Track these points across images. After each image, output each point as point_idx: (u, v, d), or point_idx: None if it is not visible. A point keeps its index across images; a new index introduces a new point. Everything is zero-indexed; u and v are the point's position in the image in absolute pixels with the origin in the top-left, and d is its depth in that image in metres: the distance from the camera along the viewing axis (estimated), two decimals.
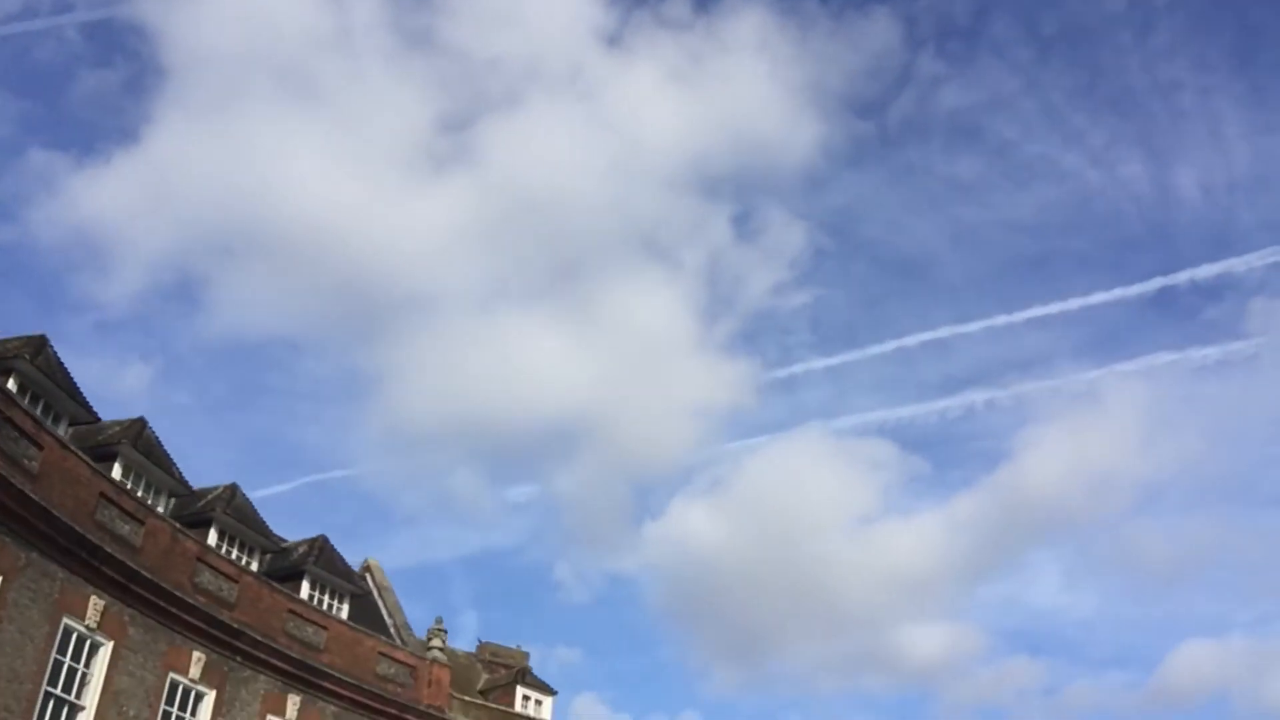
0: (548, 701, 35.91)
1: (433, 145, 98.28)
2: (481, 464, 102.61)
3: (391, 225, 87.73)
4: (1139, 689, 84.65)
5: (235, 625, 24.33)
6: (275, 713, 25.34)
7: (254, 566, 27.17)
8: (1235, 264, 76.87)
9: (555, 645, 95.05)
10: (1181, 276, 77.89)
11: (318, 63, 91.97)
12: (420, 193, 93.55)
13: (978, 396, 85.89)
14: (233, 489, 27.39)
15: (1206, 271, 78.00)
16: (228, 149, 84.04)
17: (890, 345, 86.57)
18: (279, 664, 25.55)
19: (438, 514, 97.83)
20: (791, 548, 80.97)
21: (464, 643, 38.95)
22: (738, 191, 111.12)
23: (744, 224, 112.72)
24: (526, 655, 39.04)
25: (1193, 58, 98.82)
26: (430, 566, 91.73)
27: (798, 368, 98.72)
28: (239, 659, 24.57)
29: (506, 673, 36.88)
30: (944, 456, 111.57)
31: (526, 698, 35.24)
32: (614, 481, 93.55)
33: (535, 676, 36.37)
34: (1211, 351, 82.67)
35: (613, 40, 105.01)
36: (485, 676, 37.27)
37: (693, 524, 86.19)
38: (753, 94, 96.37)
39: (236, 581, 25.12)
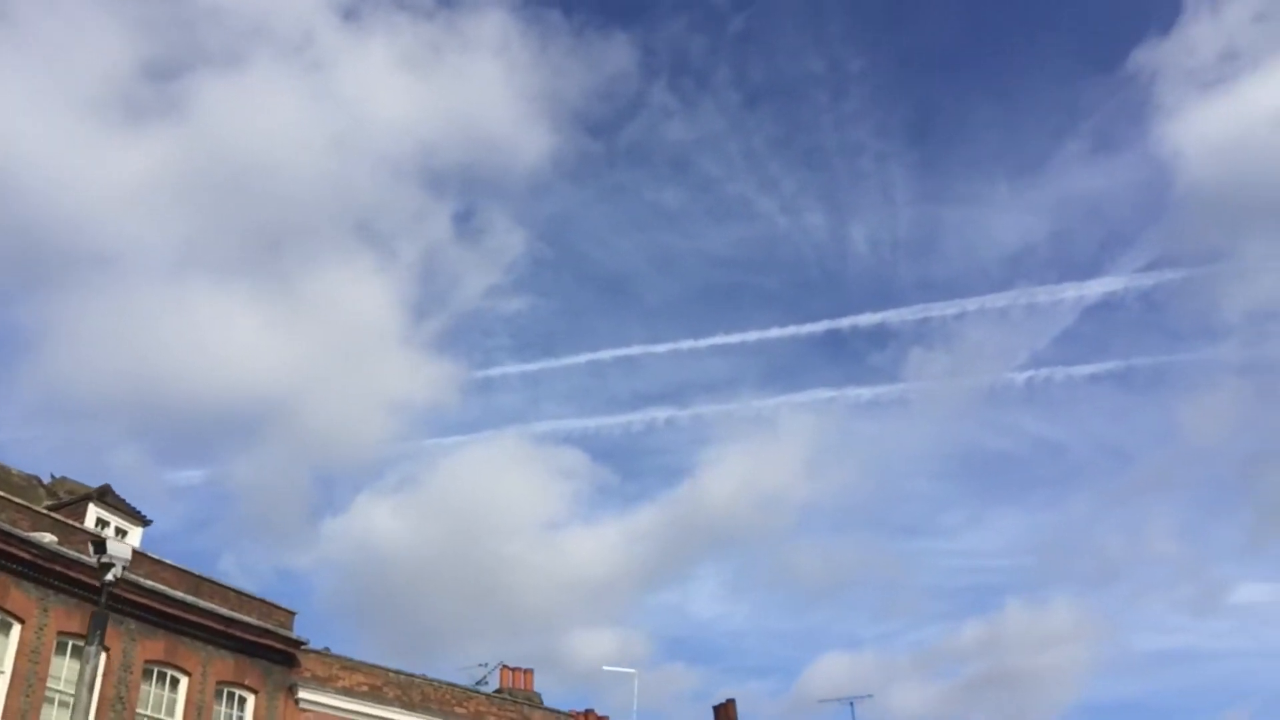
0: (136, 531, 26.28)
1: (134, 92, 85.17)
2: (150, 442, 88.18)
3: (76, 171, 75.86)
4: (781, 697, 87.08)
5: None
6: None
7: None
8: (891, 315, 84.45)
9: None
10: (845, 322, 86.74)
11: None
12: (113, 140, 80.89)
13: (661, 414, 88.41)
14: None
15: (868, 320, 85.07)
16: None
17: (584, 357, 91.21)
18: None
19: None
20: (477, 549, 78.39)
21: None
22: (462, 189, 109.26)
23: (465, 223, 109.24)
24: None
25: (875, 125, 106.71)
26: None
27: (497, 371, 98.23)
28: None
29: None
30: (630, 469, 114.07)
31: (104, 522, 25.41)
32: (297, 472, 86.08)
33: (119, 497, 26.51)
34: (865, 391, 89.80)
35: (349, 14, 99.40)
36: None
37: (377, 521, 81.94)
38: (487, 95, 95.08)
39: None
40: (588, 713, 40.14)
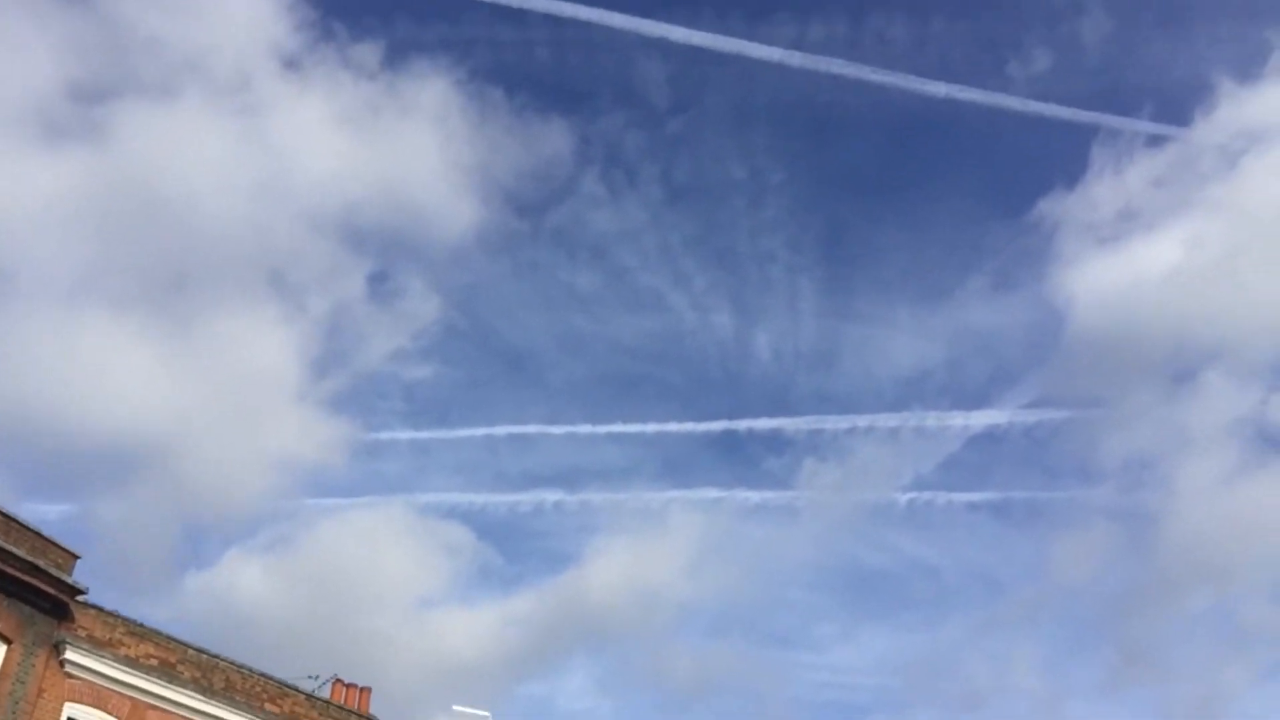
0: None
1: (56, 110, 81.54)
2: (11, 470, 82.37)
3: None
4: None
5: None
6: None
7: None
8: (786, 423, 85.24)
9: None
10: (742, 424, 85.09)
11: None
12: (27, 158, 76.41)
13: (551, 496, 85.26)
14: None
15: (764, 424, 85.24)
16: None
17: (480, 430, 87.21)
18: None
19: None
20: (346, 619, 72.73)
21: None
22: (382, 250, 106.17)
23: (380, 284, 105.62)
24: None
25: (789, 237, 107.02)
26: None
27: (387, 435, 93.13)
28: None
29: None
30: (514, 550, 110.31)
31: None
32: (167, 520, 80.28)
33: None
34: (754, 495, 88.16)
35: (291, 63, 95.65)
36: None
37: (244, 579, 76.07)
38: (420, 161, 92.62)
39: None
40: None
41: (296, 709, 25.42)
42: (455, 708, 37.01)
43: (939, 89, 75.16)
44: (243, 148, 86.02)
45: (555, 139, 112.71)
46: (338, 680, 30.29)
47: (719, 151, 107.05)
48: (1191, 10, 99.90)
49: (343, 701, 29.65)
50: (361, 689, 30.74)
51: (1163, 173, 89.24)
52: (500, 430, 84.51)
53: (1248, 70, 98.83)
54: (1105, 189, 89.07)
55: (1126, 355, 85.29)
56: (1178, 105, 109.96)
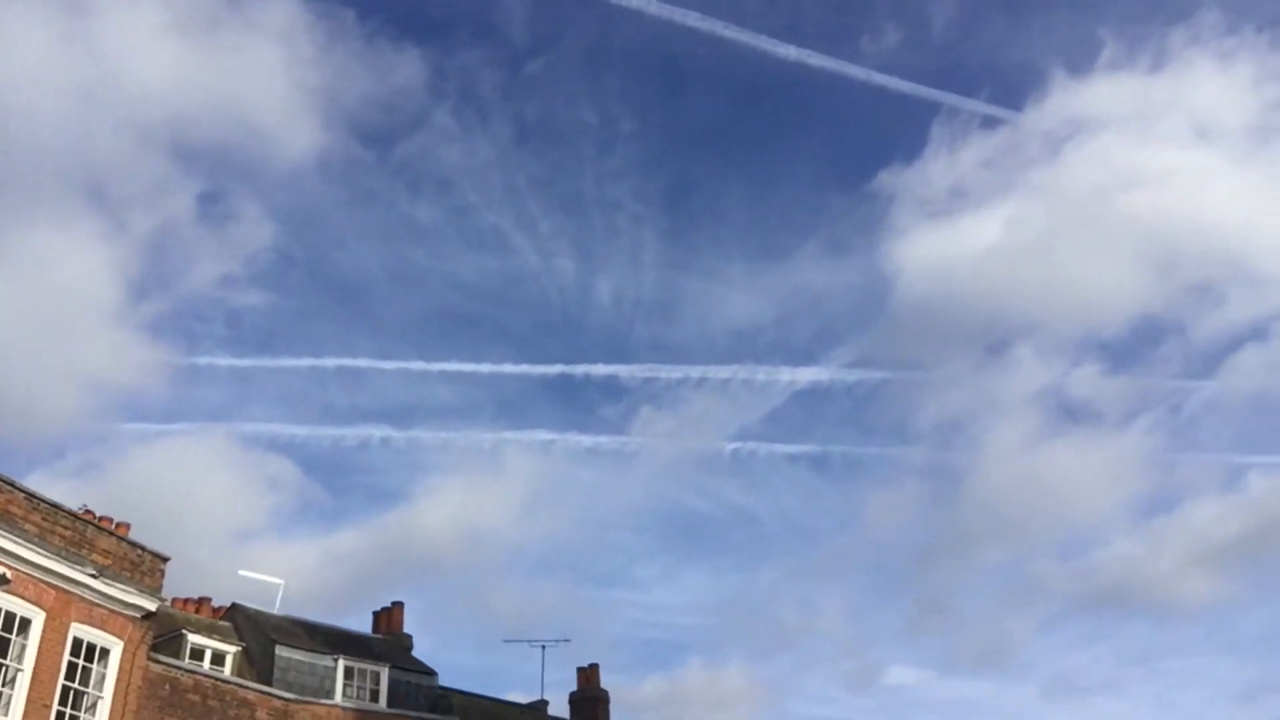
0: None
1: None
2: None
3: None
4: None
5: None
6: None
7: None
8: (622, 370, 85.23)
9: None
10: (579, 369, 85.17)
11: None
12: None
13: (378, 432, 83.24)
14: None
15: (601, 370, 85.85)
16: None
17: (306, 361, 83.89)
18: None
19: None
20: (156, 549, 65.52)
21: None
22: (214, 169, 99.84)
23: (210, 205, 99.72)
24: None
25: (635, 186, 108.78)
26: None
27: (205, 360, 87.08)
28: None
29: None
30: (338, 485, 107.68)
31: None
32: None
33: None
34: (586, 439, 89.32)
35: None
36: None
37: None
38: (261, 80, 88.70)
39: None
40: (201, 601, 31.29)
41: (11, 507, 20.94)
42: (242, 572, 32.76)
43: (790, 52, 76.60)
44: (65, 48, 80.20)
45: (408, 69, 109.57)
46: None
47: (572, 95, 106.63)
48: (1033, 2, 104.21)
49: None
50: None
51: (992, 154, 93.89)
52: (329, 362, 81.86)
53: (1079, 63, 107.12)
54: (940, 166, 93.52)
55: (946, 324, 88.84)
56: (1014, 90, 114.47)
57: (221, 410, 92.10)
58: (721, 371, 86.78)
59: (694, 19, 73.52)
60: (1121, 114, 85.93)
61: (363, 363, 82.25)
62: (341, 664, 29.31)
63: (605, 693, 36.50)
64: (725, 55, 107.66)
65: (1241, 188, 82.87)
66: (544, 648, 34.20)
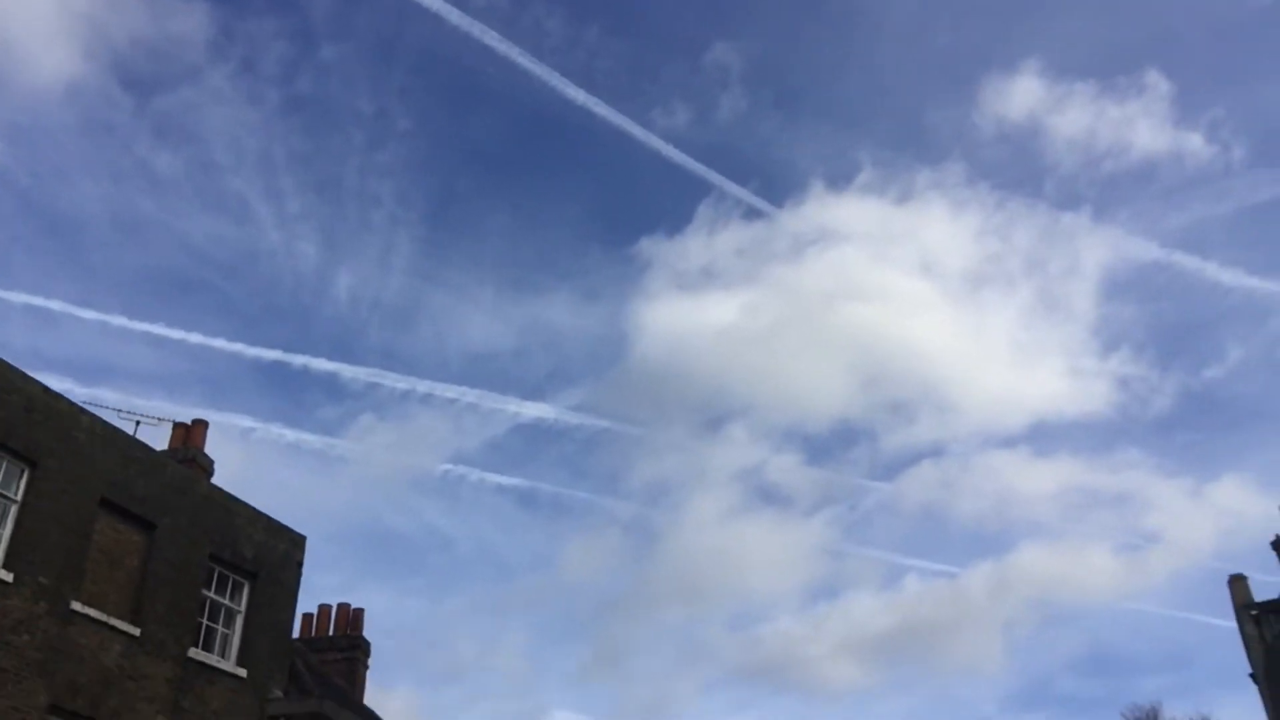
0: None
1: None
2: None
3: None
4: None
5: None
6: None
7: None
8: (346, 370, 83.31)
9: None
10: (299, 359, 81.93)
11: None
12: None
13: (57, 385, 71.63)
14: None
15: (323, 365, 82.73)
16: None
17: None
18: None
19: None
20: None
21: None
22: None
23: None
24: None
25: (399, 188, 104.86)
26: None
27: None
28: None
29: None
30: None
31: None
32: None
33: None
34: (290, 433, 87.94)
35: None
36: None
37: None
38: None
39: None
40: None
41: None
42: None
43: (579, 95, 76.96)
44: None
45: (191, 21, 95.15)
46: None
47: (355, 82, 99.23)
48: (809, 114, 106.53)
49: None
50: None
51: (747, 244, 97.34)
52: (16, 297, 70.67)
53: (838, 179, 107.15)
54: (699, 244, 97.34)
55: (673, 390, 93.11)
56: (778, 188, 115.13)
57: None
58: (450, 391, 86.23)
59: (492, 38, 72.68)
60: (863, 233, 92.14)
61: (56, 305, 72.99)
62: None
63: None
64: (516, 82, 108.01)
65: (948, 324, 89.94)
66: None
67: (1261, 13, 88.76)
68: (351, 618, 26.16)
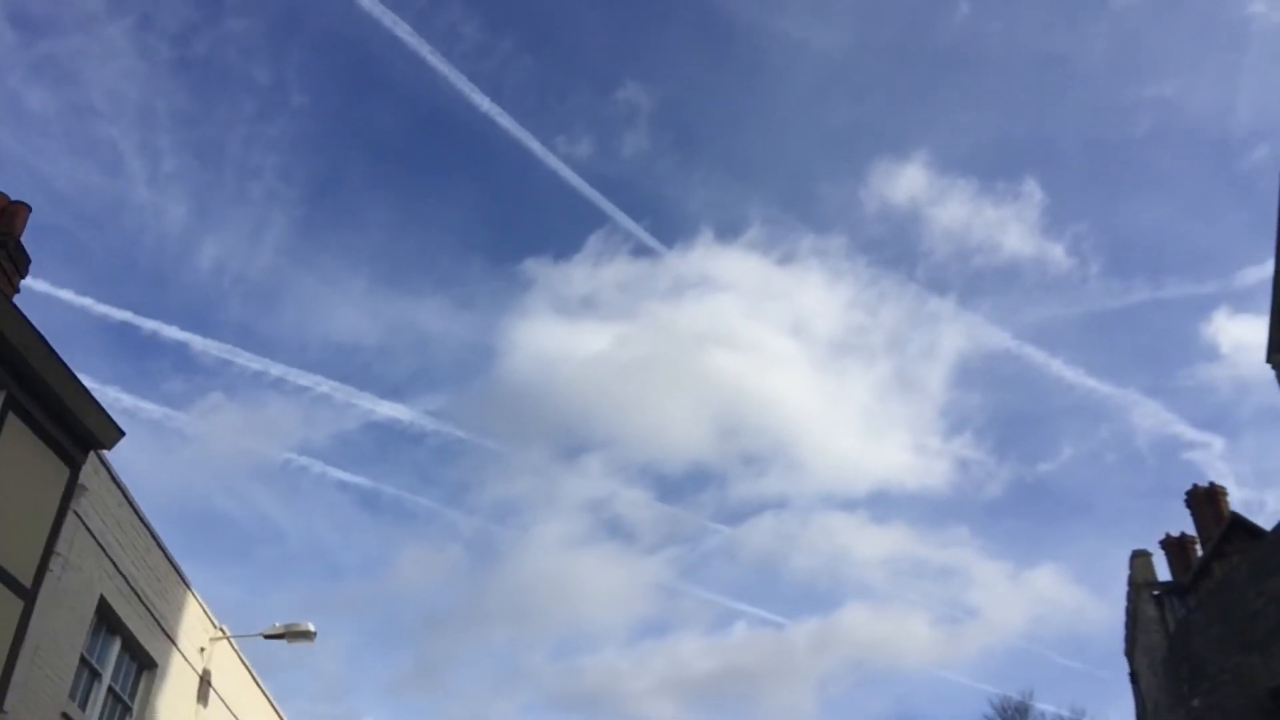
0: None
1: None
2: None
3: None
4: None
5: None
6: None
7: None
8: (198, 340, 75.58)
9: None
10: (149, 324, 74.10)
11: None
12: None
13: None
14: None
15: (173, 333, 73.65)
16: None
17: None
18: None
19: None
20: None
21: None
22: None
23: None
24: None
25: (283, 164, 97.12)
26: None
27: None
28: None
29: None
30: None
31: None
32: None
33: None
34: (125, 398, 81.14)
35: None
36: None
37: None
38: None
39: None
40: None
41: None
42: None
43: (484, 103, 73.98)
44: None
45: None
46: None
47: (254, 50, 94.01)
48: (707, 163, 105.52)
49: None
50: None
51: (631, 280, 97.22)
52: None
53: (727, 231, 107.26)
54: (584, 274, 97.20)
55: (535, 412, 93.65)
56: (670, 229, 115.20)
57: None
58: (305, 378, 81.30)
59: (404, 30, 70.49)
60: (744, 286, 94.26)
61: None
62: None
63: None
64: (421, 78, 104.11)
65: (808, 386, 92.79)
66: None
67: (1139, 142, 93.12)
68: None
